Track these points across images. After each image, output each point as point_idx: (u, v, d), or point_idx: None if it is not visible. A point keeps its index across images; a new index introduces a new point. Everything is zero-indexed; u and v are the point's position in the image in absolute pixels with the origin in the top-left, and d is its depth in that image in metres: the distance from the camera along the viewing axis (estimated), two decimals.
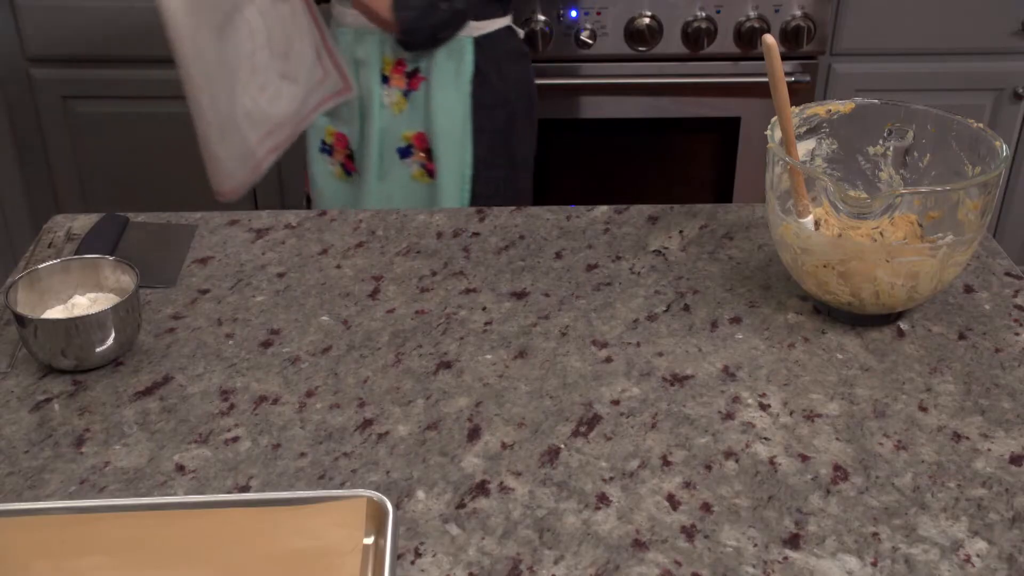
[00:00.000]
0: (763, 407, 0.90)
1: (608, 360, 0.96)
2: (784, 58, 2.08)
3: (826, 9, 2.06)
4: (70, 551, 0.71)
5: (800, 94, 2.10)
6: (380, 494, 0.75)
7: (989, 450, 0.86)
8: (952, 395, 0.92)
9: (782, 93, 0.99)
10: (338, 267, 1.11)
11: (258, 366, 0.96)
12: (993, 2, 2.07)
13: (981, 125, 1.00)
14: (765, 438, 0.87)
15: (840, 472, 0.83)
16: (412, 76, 1.55)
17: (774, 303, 1.05)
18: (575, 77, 2.11)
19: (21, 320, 0.92)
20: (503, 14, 1.58)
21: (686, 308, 1.04)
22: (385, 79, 1.55)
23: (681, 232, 1.17)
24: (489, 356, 0.97)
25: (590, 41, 2.05)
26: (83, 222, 1.19)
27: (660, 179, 2.23)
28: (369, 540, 0.74)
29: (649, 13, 2.05)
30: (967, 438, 0.87)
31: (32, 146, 2.18)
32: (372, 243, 1.16)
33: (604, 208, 1.23)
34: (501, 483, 0.82)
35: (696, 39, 2.07)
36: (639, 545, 0.77)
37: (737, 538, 0.77)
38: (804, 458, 0.85)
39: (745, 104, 2.14)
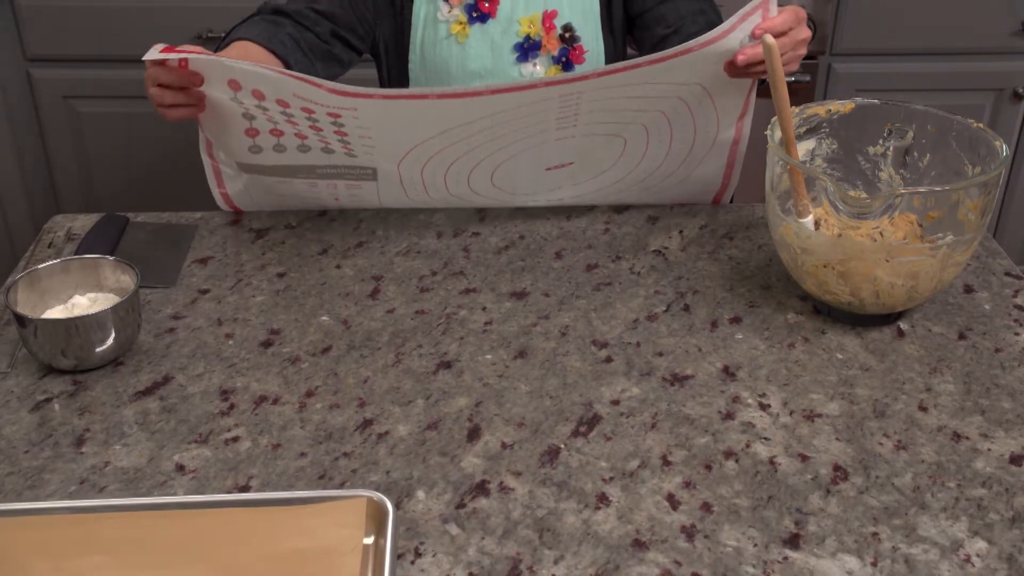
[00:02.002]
0: (763, 407, 0.90)
1: (608, 360, 0.96)
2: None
3: (826, 9, 2.06)
4: (70, 551, 0.71)
5: (800, 94, 2.10)
6: (380, 494, 0.75)
7: (989, 450, 0.86)
8: (952, 395, 0.92)
9: (782, 93, 0.99)
10: (338, 267, 1.11)
11: (258, 366, 0.96)
12: (993, 2, 2.07)
13: (981, 125, 1.00)
14: (765, 438, 0.87)
15: (840, 472, 0.83)
16: None
17: (774, 303, 1.05)
18: None
19: (21, 320, 0.92)
20: None
21: (686, 308, 1.04)
22: None
23: (681, 232, 1.17)
24: (489, 356, 0.97)
25: None
26: (83, 222, 1.19)
27: None
28: (369, 540, 0.74)
29: None
30: (967, 438, 0.87)
31: (32, 146, 2.18)
32: (372, 243, 1.16)
33: (604, 208, 1.23)
34: (501, 483, 0.82)
35: None
36: (639, 545, 0.77)
37: (737, 538, 0.77)
38: (804, 458, 0.85)
39: None
